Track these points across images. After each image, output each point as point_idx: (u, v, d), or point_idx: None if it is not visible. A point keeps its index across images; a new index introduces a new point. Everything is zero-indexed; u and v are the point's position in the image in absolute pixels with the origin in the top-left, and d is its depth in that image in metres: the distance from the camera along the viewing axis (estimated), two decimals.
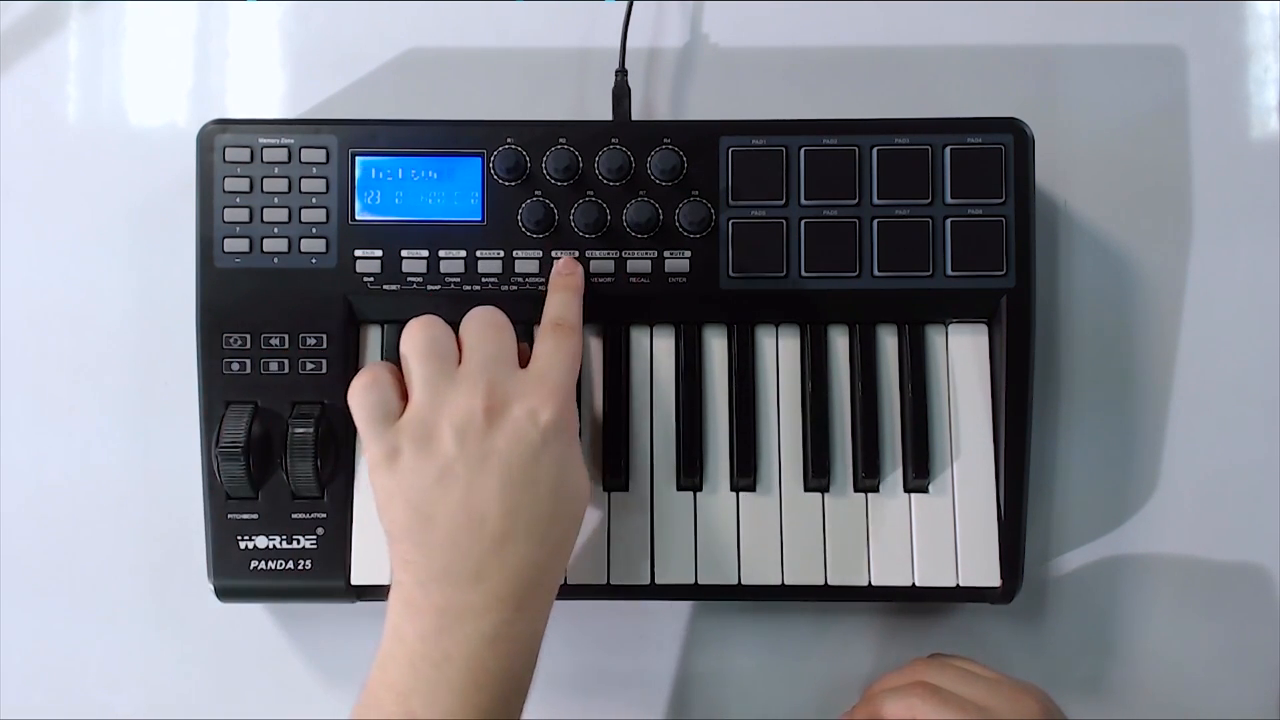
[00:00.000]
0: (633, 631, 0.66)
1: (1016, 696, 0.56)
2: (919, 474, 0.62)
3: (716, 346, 0.64)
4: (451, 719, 0.51)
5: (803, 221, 0.62)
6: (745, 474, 0.62)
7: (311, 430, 0.60)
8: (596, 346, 0.64)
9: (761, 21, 0.70)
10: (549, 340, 0.57)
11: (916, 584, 0.61)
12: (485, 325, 0.57)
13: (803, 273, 0.62)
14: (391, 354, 0.63)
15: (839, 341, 0.64)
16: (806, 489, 0.62)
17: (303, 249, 0.62)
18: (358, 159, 0.62)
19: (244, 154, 0.62)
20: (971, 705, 0.55)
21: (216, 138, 0.62)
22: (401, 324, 0.63)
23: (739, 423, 0.63)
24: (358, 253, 0.62)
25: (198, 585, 0.62)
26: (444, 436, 0.53)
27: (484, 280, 0.62)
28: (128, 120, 0.71)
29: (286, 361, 0.62)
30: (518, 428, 0.54)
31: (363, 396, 0.55)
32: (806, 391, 0.63)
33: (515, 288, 0.62)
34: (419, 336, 0.56)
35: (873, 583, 0.61)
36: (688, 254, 0.62)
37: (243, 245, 0.62)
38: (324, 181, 0.62)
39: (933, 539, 0.62)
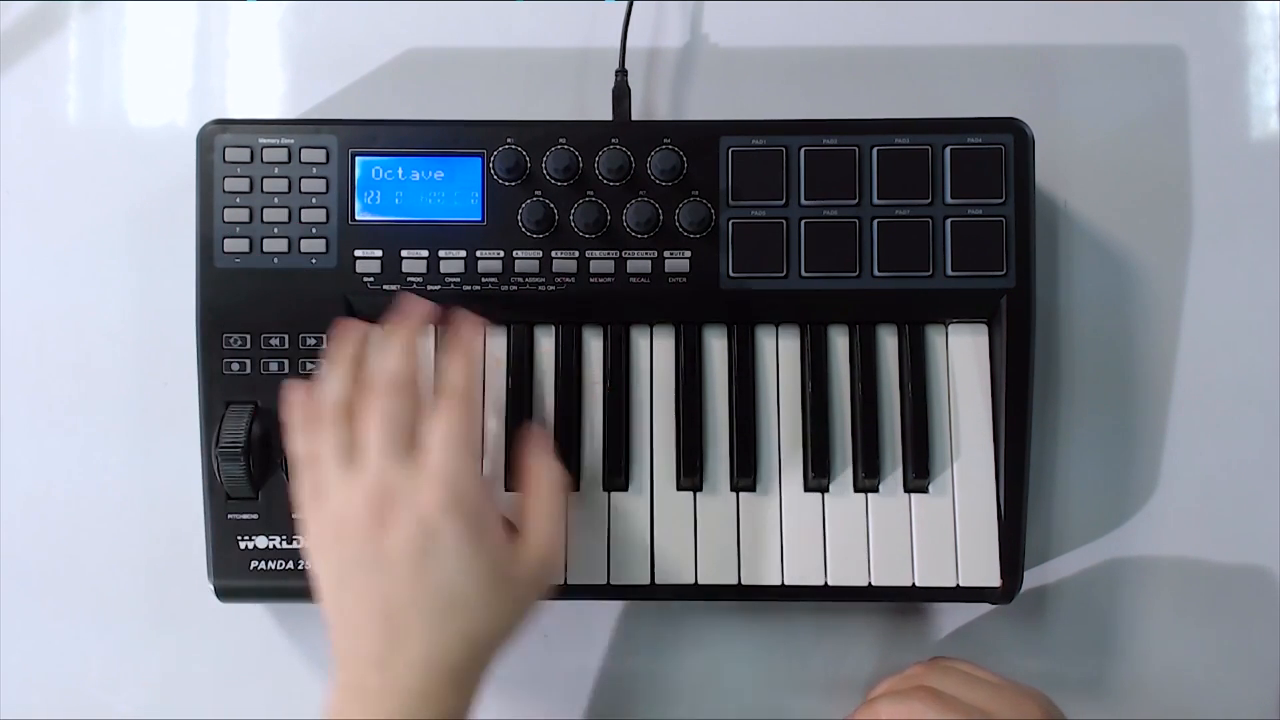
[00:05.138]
0: (633, 631, 0.66)
1: (1018, 701, 0.56)
2: (919, 474, 0.62)
3: (716, 346, 0.64)
4: None
5: (803, 221, 0.62)
6: (745, 474, 0.62)
7: None
8: (596, 346, 0.64)
9: (761, 21, 0.70)
10: (435, 418, 0.55)
11: (916, 584, 0.61)
12: (384, 418, 0.55)
13: (803, 273, 0.62)
14: None
15: (839, 341, 0.64)
16: (806, 489, 0.62)
17: (303, 249, 0.62)
18: (358, 159, 0.62)
19: (244, 154, 0.62)
20: (973, 709, 0.55)
21: (216, 138, 0.62)
22: None
23: (739, 423, 0.63)
24: (358, 253, 0.62)
25: (198, 585, 0.62)
26: (348, 540, 0.54)
27: (484, 280, 0.62)
28: (128, 120, 0.71)
29: (286, 362, 0.62)
30: (408, 527, 0.53)
31: (302, 473, 0.56)
32: (806, 391, 0.63)
33: (515, 288, 0.62)
34: (329, 424, 0.56)
35: (873, 583, 0.61)
36: (688, 254, 0.62)
37: (243, 245, 0.62)
38: (324, 181, 0.62)
39: (933, 539, 0.62)
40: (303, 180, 0.62)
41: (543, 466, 0.58)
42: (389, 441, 0.54)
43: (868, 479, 0.62)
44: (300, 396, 0.57)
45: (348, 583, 0.54)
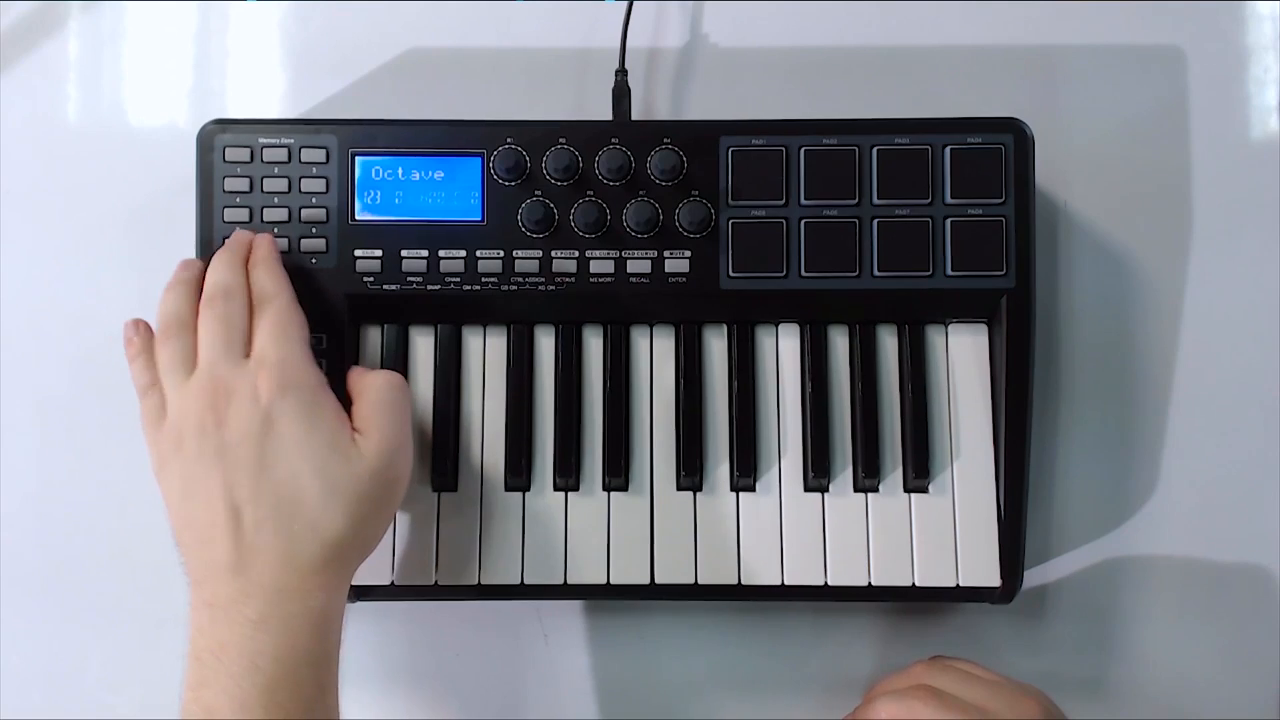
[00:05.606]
0: (633, 631, 0.66)
1: (1017, 699, 0.56)
2: (919, 474, 0.62)
3: (716, 346, 0.64)
4: (239, 702, 0.51)
5: (803, 221, 0.62)
6: (745, 474, 0.62)
7: None
8: (596, 346, 0.64)
9: (761, 21, 0.70)
10: (260, 319, 0.57)
11: (916, 584, 0.61)
12: (214, 320, 0.57)
13: (803, 273, 0.62)
14: (392, 355, 0.63)
15: (839, 341, 0.64)
16: (806, 489, 0.62)
17: (303, 249, 0.62)
18: (358, 159, 0.62)
19: (244, 154, 0.62)
20: (972, 708, 0.55)
21: (216, 138, 0.62)
22: (402, 324, 0.63)
23: (739, 423, 0.63)
24: (358, 252, 0.62)
25: None
26: (186, 442, 0.55)
27: (484, 280, 0.62)
28: (128, 120, 0.71)
29: None
30: (242, 415, 0.54)
31: (142, 403, 0.57)
32: (806, 391, 0.63)
33: (515, 287, 0.62)
34: (163, 339, 0.57)
35: (873, 583, 0.61)
36: (688, 254, 0.62)
37: None
38: (324, 181, 0.62)
39: (933, 539, 0.62)
40: (303, 180, 0.62)
41: (372, 376, 0.59)
42: (221, 342, 0.56)
43: (868, 479, 0.62)
44: (136, 328, 0.59)
45: (193, 488, 0.54)
